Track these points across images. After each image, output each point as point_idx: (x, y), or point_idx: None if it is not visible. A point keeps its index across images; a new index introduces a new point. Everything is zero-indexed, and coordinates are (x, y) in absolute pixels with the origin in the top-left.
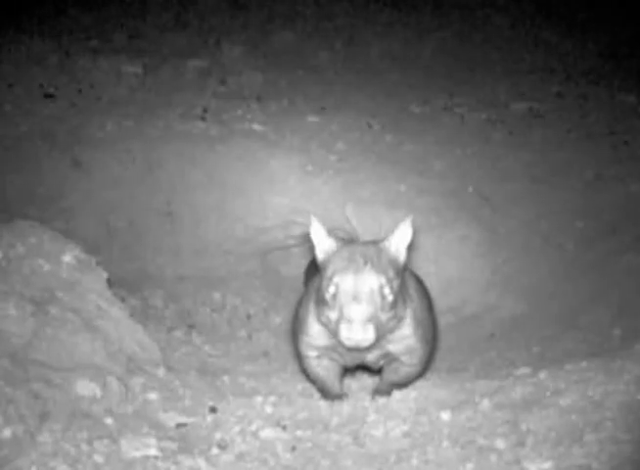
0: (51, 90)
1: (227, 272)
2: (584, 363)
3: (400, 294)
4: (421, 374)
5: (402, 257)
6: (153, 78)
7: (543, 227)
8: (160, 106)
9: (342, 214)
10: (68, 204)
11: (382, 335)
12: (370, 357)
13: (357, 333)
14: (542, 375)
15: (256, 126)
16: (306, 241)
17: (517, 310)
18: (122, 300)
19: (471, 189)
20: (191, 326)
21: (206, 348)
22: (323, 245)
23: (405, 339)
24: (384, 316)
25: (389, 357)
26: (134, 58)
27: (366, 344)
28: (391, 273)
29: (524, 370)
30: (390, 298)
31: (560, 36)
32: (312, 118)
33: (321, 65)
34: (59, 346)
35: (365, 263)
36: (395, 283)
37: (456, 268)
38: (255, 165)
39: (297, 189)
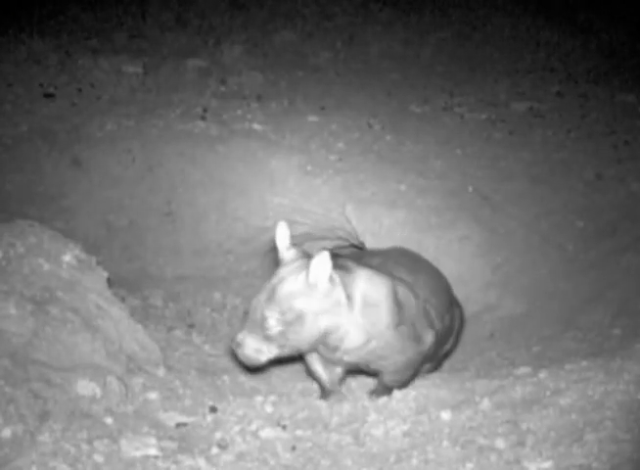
0: (51, 90)
1: (227, 272)
2: (584, 363)
3: (316, 319)
4: (408, 379)
5: (320, 288)
6: (153, 78)
7: (543, 227)
8: (160, 105)
9: (342, 214)
10: (68, 203)
11: (267, 357)
12: (346, 363)
13: (237, 354)
14: (542, 375)
15: (256, 126)
16: (307, 240)
17: (517, 310)
18: (122, 299)
19: (471, 189)
20: (191, 326)
21: (206, 347)
22: (281, 254)
23: (355, 351)
24: (272, 346)
25: (366, 365)
26: (134, 57)
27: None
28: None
29: (524, 370)
30: (275, 330)
31: (560, 36)
32: (312, 118)
33: (321, 64)
34: (59, 345)
35: (267, 294)
36: (291, 315)
37: (456, 268)
38: (255, 165)
39: (298, 189)
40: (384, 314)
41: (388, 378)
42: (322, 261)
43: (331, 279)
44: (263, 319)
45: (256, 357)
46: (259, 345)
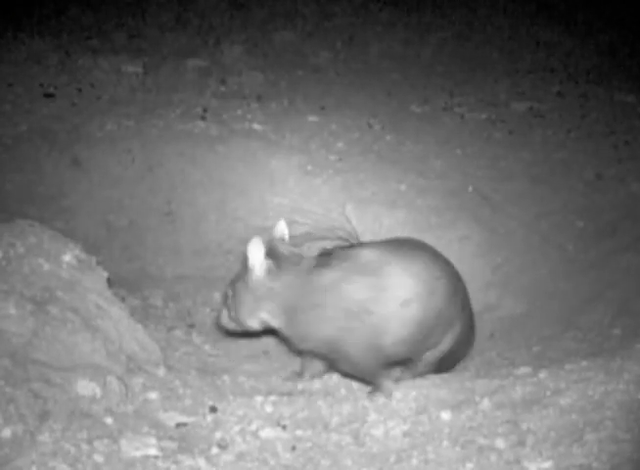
0: (51, 90)
1: (227, 272)
2: (584, 363)
3: (254, 299)
4: (357, 365)
5: (255, 273)
6: (153, 78)
7: (543, 227)
8: (160, 105)
9: (343, 214)
10: (68, 203)
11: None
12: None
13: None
14: (542, 375)
15: (256, 126)
16: (307, 240)
17: (517, 310)
18: (122, 299)
19: (471, 189)
20: (191, 326)
21: (206, 347)
22: None
23: (281, 330)
24: (233, 318)
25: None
26: (134, 57)
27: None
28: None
29: (524, 370)
30: (233, 306)
31: (560, 36)
32: (312, 118)
33: (321, 64)
34: (59, 345)
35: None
36: (232, 294)
37: (456, 268)
38: (255, 165)
39: (298, 189)
40: (303, 296)
41: (338, 365)
42: (254, 248)
43: (268, 267)
44: (226, 298)
45: (225, 326)
46: (229, 317)
